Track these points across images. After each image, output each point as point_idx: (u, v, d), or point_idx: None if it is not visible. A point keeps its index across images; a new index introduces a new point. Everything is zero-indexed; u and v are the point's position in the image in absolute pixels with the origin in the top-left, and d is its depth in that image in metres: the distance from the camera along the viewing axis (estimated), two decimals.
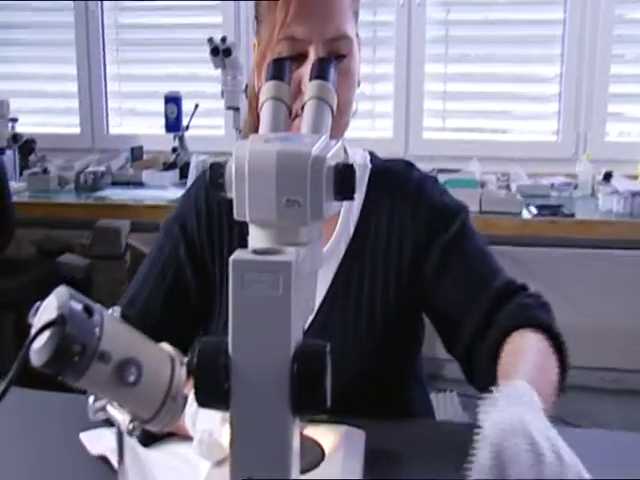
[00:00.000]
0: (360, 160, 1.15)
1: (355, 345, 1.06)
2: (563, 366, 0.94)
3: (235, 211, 0.72)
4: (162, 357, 0.68)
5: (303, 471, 0.79)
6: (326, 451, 0.85)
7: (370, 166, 1.15)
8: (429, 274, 1.08)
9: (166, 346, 0.70)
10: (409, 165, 1.16)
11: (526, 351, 0.94)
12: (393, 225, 1.10)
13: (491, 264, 1.09)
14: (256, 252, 0.67)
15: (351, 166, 0.71)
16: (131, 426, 0.67)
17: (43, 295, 0.64)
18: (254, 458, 0.64)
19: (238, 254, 0.66)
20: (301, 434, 0.86)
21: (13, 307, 2.78)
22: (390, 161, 1.17)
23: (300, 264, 0.68)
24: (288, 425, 0.64)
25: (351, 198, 0.72)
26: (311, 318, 1.06)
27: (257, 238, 0.74)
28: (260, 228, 0.73)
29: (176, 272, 1.09)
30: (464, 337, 1.04)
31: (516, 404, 0.74)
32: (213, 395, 0.64)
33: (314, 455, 0.83)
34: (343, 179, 0.71)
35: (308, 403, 0.64)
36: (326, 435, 0.87)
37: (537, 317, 0.99)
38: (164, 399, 0.67)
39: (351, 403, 0.98)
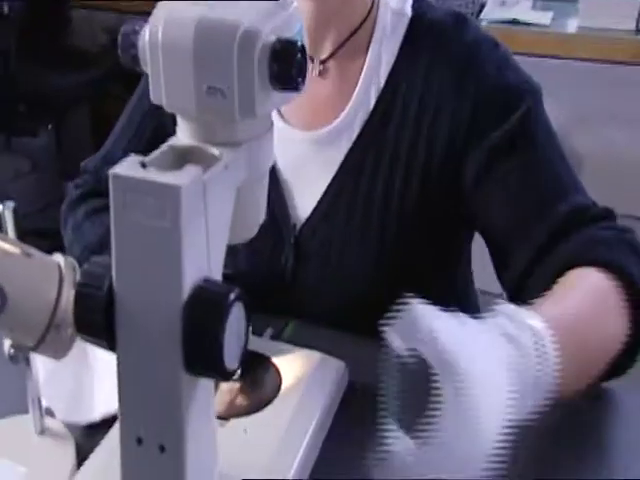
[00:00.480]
0: (396, 5, 0.93)
1: (360, 246, 0.92)
2: (636, 329, 0.73)
3: (151, 93, 0.60)
4: (43, 280, 0.60)
5: (244, 413, 0.72)
6: (283, 388, 0.75)
7: (410, 15, 0.92)
8: (469, 178, 0.89)
9: (59, 261, 0.62)
10: (463, 20, 0.92)
11: (573, 288, 0.73)
12: (428, 98, 0.89)
13: (564, 176, 0.86)
14: (153, 161, 0.55)
15: (294, 44, 0.56)
16: (12, 351, 0.61)
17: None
18: (143, 416, 0.57)
19: (124, 165, 0.54)
20: (262, 359, 0.78)
21: (88, 100, 2.79)
22: (439, 12, 0.93)
23: (219, 176, 0.56)
24: (180, 383, 0.55)
25: (295, 89, 0.57)
26: (312, 208, 0.94)
27: (182, 130, 0.61)
28: (183, 118, 0.61)
29: (154, 129, 0.98)
30: (513, 270, 0.85)
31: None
32: (91, 328, 0.56)
33: (265, 392, 0.74)
34: (280, 63, 0.55)
35: (200, 362, 0.54)
36: (293, 364, 0.78)
37: (609, 255, 0.77)
38: (47, 327, 0.59)
39: (350, 316, 0.88)
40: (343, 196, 0.93)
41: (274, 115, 0.96)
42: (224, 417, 0.70)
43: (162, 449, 0.56)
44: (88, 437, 0.73)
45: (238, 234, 0.64)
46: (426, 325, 0.56)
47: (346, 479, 0.68)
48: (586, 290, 0.74)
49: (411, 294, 0.83)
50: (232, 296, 0.54)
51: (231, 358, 0.55)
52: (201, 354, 0.54)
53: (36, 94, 2.48)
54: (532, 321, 0.61)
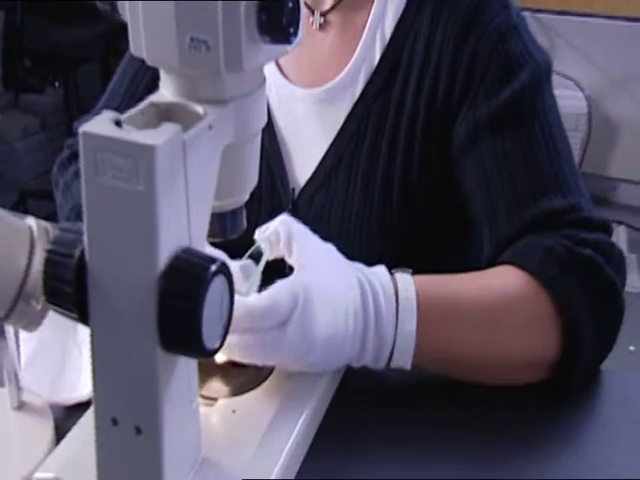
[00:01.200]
0: None
1: (363, 213, 0.89)
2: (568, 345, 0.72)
3: (131, 44, 0.57)
4: (12, 245, 0.57)
5: (234, 393, 0.69)
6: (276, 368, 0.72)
7: None
8: (454, 147, 0.86)
9: (31, 225, 0.59)
10: None
11: (472, 278, 0.75)
12: (431, 53, 0.86)
13: (548, 172, 0.80)
14: (130, 118, 0.53)
15: None
16: None
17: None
18: (118, 395, 0.55)
19: (96, 122, 0.51)
20: None
21: (97, 57, 2.76)
22: None
23: (202, 135, 0.53)
24: (156, 361, 0.52)
25: (285, 41, 0.53)
26: (312, 171, 0.92)
27: (165, 85, 0.58)
28: (166, 73, 0.57)
29: (149, 83, 0.95)
30: (485, 255, 0.84)
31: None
32: (61, 299, 0.53)
33: (257, 372, 0.70)
34: (269, 11, 0.52)
35: (176, 339, 0.52)
36: None
37: (539, 267, 0.72)
38: (16, 296, 0.57)
39: None
40: (345, 158, 0.90)
41: (273, 71, 0.93)
42: (212, 397, 0.68)
43: (138, 431, 0.55)
44: (70, 415, 0.71)
45: (226, 200, 0.62)
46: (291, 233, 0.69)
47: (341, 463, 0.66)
48: (487, 285, 0.73)
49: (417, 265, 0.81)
50: (213, 268, 0.51)
51: (211, 336, 0.52)
52: (177, 331, 0.51)
53: (43, 49, 2.46)
54: (407, 285, 0.69)
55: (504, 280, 0.74)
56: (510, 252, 0.77)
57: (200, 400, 0.68)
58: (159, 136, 0.49)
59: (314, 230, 0.89)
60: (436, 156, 0.87)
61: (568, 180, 0.80)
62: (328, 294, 0.65)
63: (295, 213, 0.91)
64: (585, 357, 0.72)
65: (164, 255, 0.51)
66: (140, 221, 0.50)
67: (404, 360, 0.69)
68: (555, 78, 0.87)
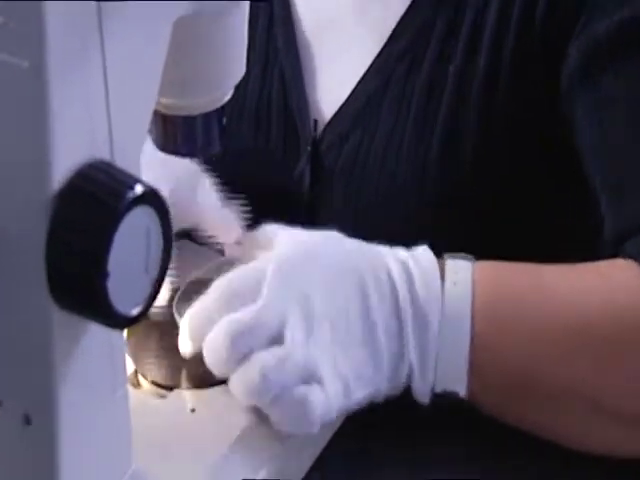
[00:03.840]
0: None
1: (413, 163, 0.78)
2: None
3: None
4: None
5: (197, 383, 0.63)
6: None
7: None
8: (563, 81, 0.74)
9: None
10: None
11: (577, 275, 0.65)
12: None
13: None
14: None
15: None
16: None
17: None
18: (3, 368, 0.48)
19: None
20: None
21: None
22: None
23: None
24: (53, 325, 0.45)
25: None
26: (343, 98, 0.81)
27: None
28: None
29: None
30: (605, 235, 0.71)
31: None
32: None
33: None
34: None
35: (72, 292, 0.43)
36: None
37: None
38: None
39: None
40: (393, 81, 0.78)
41: None
42: (166, 386, 0.62)
43: (27, 420, 0.48)
44: None
45: (195, 98, 0.55)
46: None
47: None
48: (587, 286, 0.64)
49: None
50: (132, 195, 0.42)
51: (127, 295, 0.44)
52: (72, 281, 0.43)
53: None
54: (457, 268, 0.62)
55: (614, 281, 0.63)
56: (635, 243, 0.65)
57: (147, 387, 0.63)
58: None
59: (342, 179, 0.80)
60: (532, 92, 0.75)
61: None
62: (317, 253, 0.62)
63: (316, 160, 0.81)
64: None
65: (62, 168, 0.42)
66: (26, 113, 0.42)
67: (455, 374, 0.61)
68: None
